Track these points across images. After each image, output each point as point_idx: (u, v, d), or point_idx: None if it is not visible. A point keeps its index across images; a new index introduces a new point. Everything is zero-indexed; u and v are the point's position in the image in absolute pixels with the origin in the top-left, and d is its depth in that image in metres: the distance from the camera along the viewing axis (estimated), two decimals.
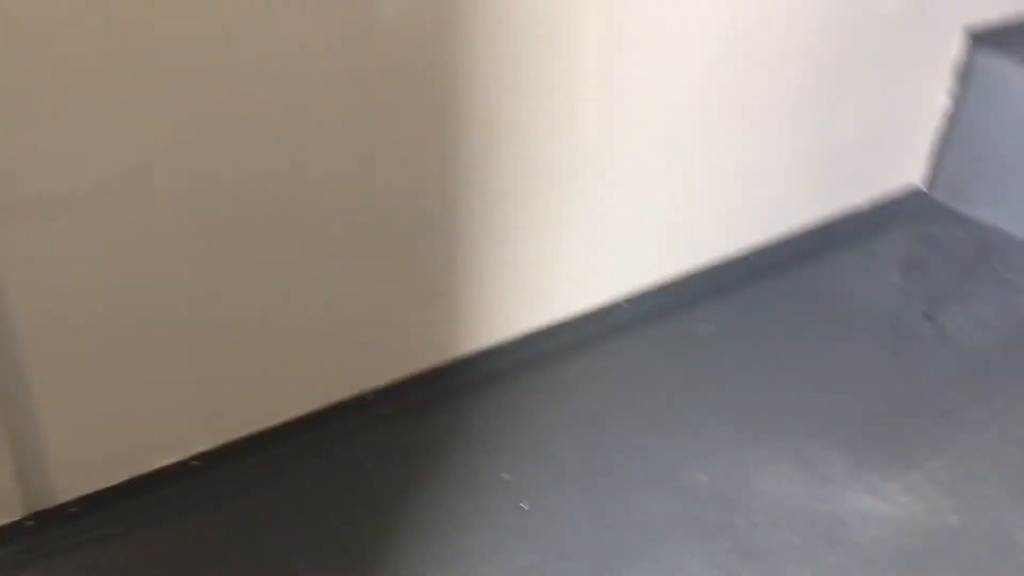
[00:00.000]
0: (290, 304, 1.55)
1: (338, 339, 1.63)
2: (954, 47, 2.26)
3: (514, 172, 1.68)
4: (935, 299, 2.08)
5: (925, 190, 2.41)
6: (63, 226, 1.29)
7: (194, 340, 1.48)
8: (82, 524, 1.46)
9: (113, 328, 1.40)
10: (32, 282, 1.30)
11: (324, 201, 1.50)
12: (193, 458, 1.55)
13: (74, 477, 1.45)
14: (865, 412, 1.77)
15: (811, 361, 1.89)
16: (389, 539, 1.47)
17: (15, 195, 1.24)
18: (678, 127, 1.87)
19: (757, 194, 2.09)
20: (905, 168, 2.38)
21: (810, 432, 1.70)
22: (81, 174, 1.27)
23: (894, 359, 1.92)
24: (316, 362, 1.62)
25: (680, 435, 1.68)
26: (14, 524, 1.42)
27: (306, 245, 1.53)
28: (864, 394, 1.82)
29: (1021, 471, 1.65)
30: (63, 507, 1.45)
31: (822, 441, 1.68)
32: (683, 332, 1.94)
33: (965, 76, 2.28)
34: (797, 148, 2.09)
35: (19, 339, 1.32)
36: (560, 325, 1.88)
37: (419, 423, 1.68)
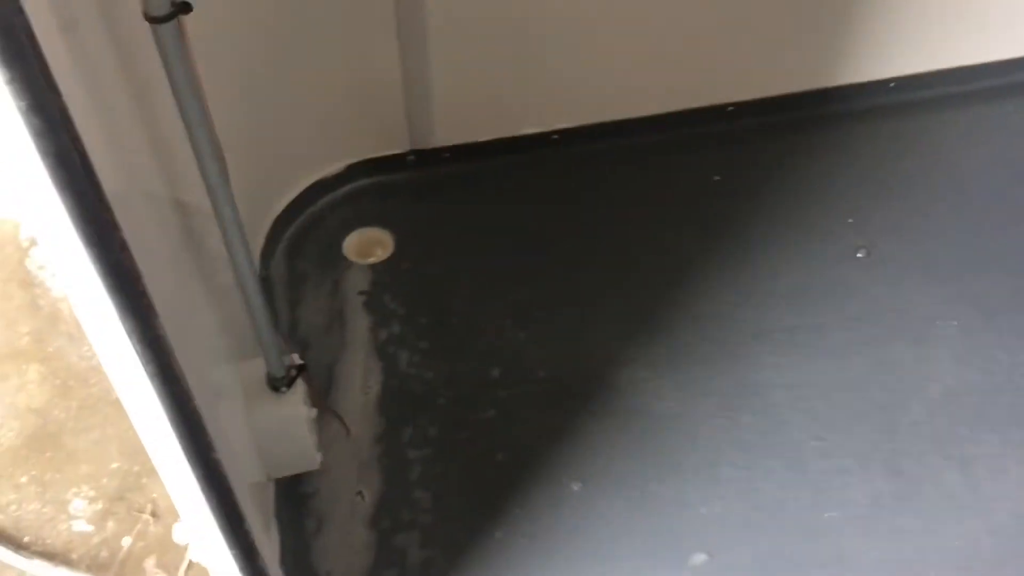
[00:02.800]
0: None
1: (716, 45, 1.60)
2: None
3: None
4: None
5: None
6: None
7: (570, 26, 1.51)
8: (451, 168, 1.62)
9: None
10: None
11: None
12: (554, 132, 1.64)
13: (451, 128, 1.59)
14: None
15: None
16: (713, 239, 1.52)
17: None
18: None
19: None
20: None
21: None
22: None
23: None
24: (689, 63, 1.61)
25: None
26: (398, 156, 1.60)
27: None
28: None
29: None
30: (439, 151, 1.61)
31: None
32: None
33: None
34: None
35: None
36: (948, 72, 1.72)
37: (777, 144, 1.66)
